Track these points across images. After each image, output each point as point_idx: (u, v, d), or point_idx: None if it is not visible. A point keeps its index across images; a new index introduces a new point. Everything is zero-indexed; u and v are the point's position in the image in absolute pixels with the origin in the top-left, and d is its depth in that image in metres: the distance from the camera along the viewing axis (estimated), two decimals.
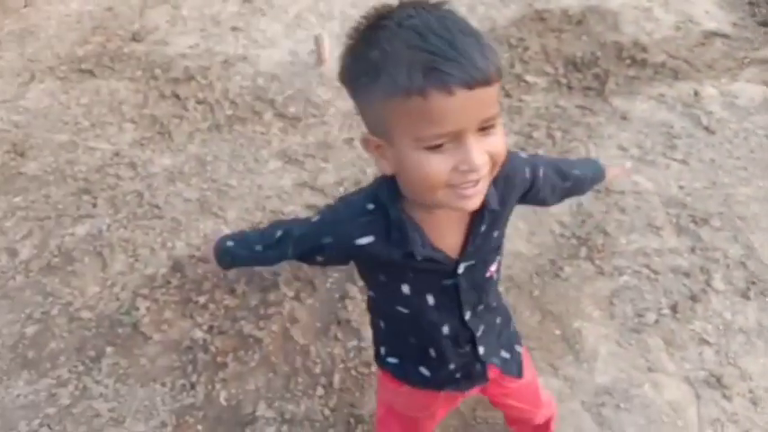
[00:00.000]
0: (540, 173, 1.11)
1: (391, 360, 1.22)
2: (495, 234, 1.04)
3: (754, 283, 2.13)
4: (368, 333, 2.03)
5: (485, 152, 0.82)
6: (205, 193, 2.61)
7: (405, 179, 0.89)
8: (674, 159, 2.57)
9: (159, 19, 3.76)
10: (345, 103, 3.08)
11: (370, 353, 1.97)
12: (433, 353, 1.14)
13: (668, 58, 3.11)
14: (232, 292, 2.19)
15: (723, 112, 2.80)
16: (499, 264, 1.12)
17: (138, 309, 2.18)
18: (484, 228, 0.99)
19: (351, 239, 0.98)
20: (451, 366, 1.16)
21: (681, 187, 2.46)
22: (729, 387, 1.86)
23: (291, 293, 2.16)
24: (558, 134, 2.74)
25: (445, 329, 1.10)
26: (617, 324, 2.03)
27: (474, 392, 1.27)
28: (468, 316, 1.09)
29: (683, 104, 2.84)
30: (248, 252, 1.21)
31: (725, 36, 3.34)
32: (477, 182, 0.84)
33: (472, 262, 1.02)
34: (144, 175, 2.72)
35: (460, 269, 1.01)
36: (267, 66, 3.37)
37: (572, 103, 2.92)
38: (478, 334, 1.13)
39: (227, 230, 2.39)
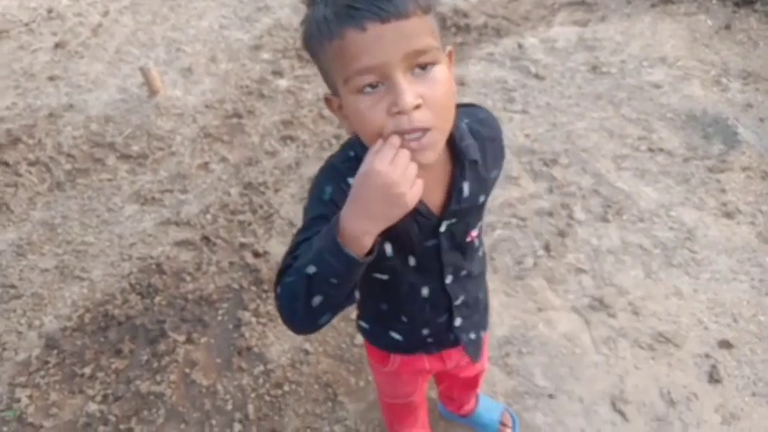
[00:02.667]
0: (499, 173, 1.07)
1: (363, 324, 1.23)
2: (482, 198, 1.00)
3: (609, 206, 2.32)
4: (272, 353, 1.99)
5: (418, 94, 0.77)
6: (62, 258, 2.41)
7: (357, 133, 0.86)
8: (515, 111, 2.72)
9: None
10: (190, 128, 2.97)
11: (280, 373, 1.93)
12: (404, 318, 1.13)
13: (488, 18, 3.29)
14: (118, 353, 2.04)
15: (547, 57, 3.01)
16: (480, 230, 1.08)
17: (18, 400, 1.97)
18: (467, 185, 0.95)
19: (345, 178, 0.91)
20: (424, 332, 1.15)
21: (527, 135, 2.61)
22: (611, 306, 2.01)
23: (182, 338, 2.06)
24: None
25: (424, 291, 1.07)
26: (501, 276, 2.13)
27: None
28: (449, 280, 1.07)
29: (510, 59, 3.01)
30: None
31: None
32: (421, 132, 0.79)
33: (453, 220, 0.98)
34: None
35: (442, 227, 0.98)
36: (98, 109, 3.17)
37: None
38: (457, 302, 1.11)
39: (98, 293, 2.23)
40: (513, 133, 2.63)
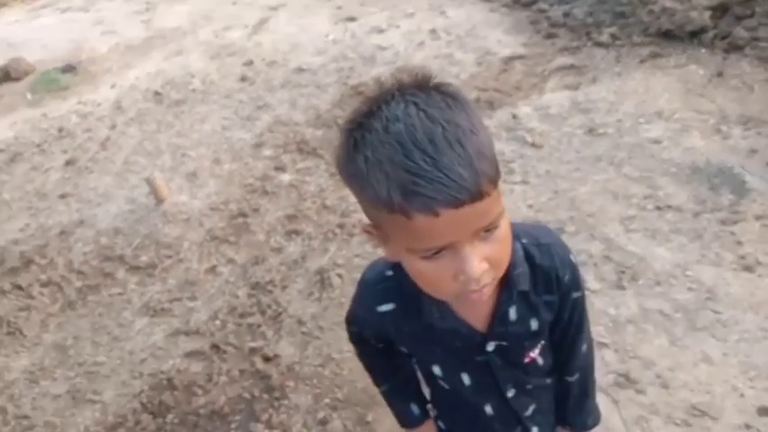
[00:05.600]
0: (575, 296, 1.00)
1: (441, 425, 1.19)
2: (534, 324, 0.96)
3: (623, 272, 2.25)
4: None
5: (483, 259, 0.76)
6: (74, 381, 2.38)
7: (408, 273, 0.84)
8: (515, 182, 2.71)
9: None
10: (197, 233, 2.99)
11: None
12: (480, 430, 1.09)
13: (480, 92, 3.33)
14: None
15: (542, 125, 3.02)
16: (544, 347, 1.02)
17: None
18: (513, 311, 0.93)
19: (373, 306, 0.97)
20: None
21: (530, 206, 2.58)
22: (639, 380, 1.91)
23: None
24: None
25: (488, 409, 1.04)
26: None
27: None
28: (511, 394, 1.02)
29: (506, 130, 3.03)
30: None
31: (521, 57, 3.64)
32: (481, 288, 0.79)
33: (504, 343, 0.95)
34: (2, 386, 2.45)
35: (489, 347, 0.95)
36: (107, 222, 3.22)
37: None
38: (527, 413, 1.06)
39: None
40: (515, 205, 2.60)
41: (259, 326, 2.41)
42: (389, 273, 0.96)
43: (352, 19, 4.61)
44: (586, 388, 1.15)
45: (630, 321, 2.08)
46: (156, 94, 4.33)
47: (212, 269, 2.77)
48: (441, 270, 0.76)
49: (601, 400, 1.88)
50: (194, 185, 3.36)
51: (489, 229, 0.75)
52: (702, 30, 3.30)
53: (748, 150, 2.67)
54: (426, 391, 1.17)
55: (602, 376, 1.84)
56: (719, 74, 3.11)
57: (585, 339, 1.08)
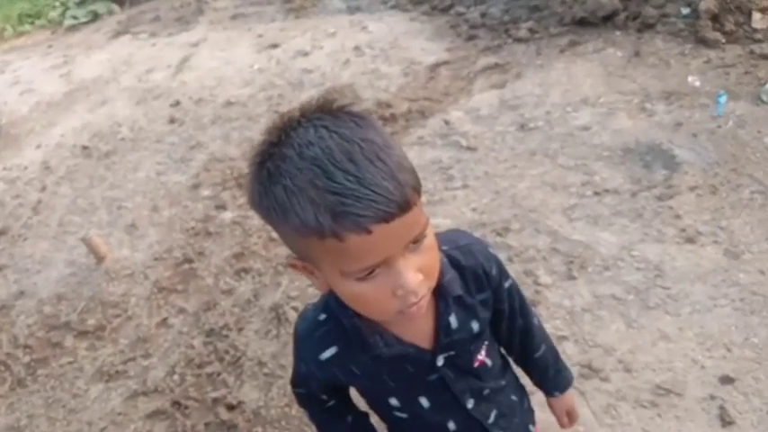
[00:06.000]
0: (507, 285, 1.03)
1: None
2: (475, 326, 0.97)
3: (572, 262, 2.27)
4: None
5: (417, 271, 0.77)
6: None
7: (345, 302, 0.84)
8: (456, 188, 2.71)
9: None
10: (143, 287, 2.89)
11: None
12: None
13: (410, 103, 3.34)
14: None
15: (475, 127, 3.04)
16: (489, 348, 1.03)
17: None
18: (453, 319, 0.93)
19: (315, 356, 0.94)
20: None
21: (473, 209, 2.59)
22: (602, 368, 1.92)
23: None
24: None
25: (451, 426, 1.02)
26: None
27: None
28: (470, 404, 1.01)
29: (440, 137, 3.04)
30: None
31: (446, 63, 3.67)
32: (420, 300, 0.80)
33: (451, 353, 0.95)
34: None
35: (439, 361, 0.94)
36: (48, 290, 3.08)
37: None
38: (490, 420, 1.05)
39: None
40: (459, 210, 2.61)
41: (219, 374, 2.34)
42: (323, 317, 0.95)
43: (274, 46, 4.58)
44: (556, 352, 1.20)
45: (586, 310, 2.10)
46: (84, 148, 4.19)
47: (163, 322, 2.67)
48: (378, 289, 0.76)
49: None
50: (134, 237, 3.25)
51: (417, 240, 0.76)
52: (614, 13, 3.40)
53: (674, 124, 2.75)
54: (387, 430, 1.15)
55: None
56: (636, 53, 3.20)
57: (533, 314, 1.13)
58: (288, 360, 2.31)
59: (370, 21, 4.47)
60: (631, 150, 2.68)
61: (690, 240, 2.24)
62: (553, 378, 1.19)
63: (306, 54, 4.30)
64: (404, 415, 1.02)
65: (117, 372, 2.51)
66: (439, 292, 0.89)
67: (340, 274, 0.76)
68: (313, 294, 2.53)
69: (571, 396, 1.23)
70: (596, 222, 2.40)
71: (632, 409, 1.80)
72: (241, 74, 4.36)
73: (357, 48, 4.12)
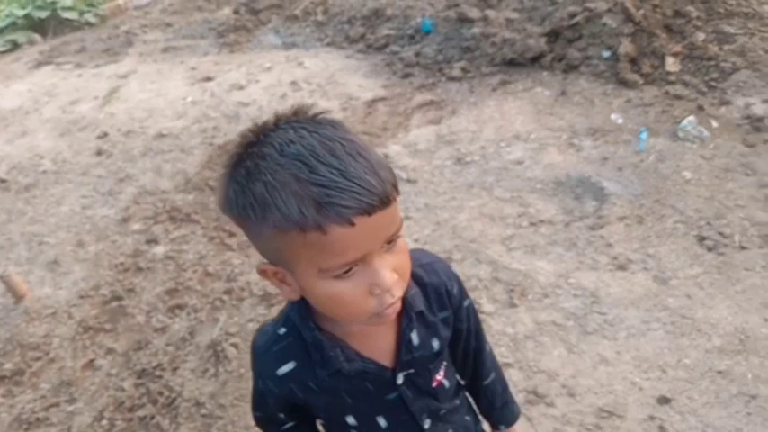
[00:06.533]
0: (467, 305, 1.03)
1: None
2: (435, 344, 0.97)
3: (512, 290, 2.32)
4: None
5: (393, 270, 0.78)
6: None
7: (316, 306, 0.84)
8: None
9: None
10: (66, 326, 2.71)
11: None
12: None
13: None
14: None
15: (413, 161, 3.09)
16: (447, 368, 1.04)
17: None
18: (415, 335, 0.93)
19: (272, 371, 0.92)
20: None
21: (416, 240, 2.61)
22: (547, 394, 1.95)
23: None
24: None
25: None
26: None
27: None
28: (427, 425, 1.01)
29: None
30: None
31: (383, 99, 3.74)
32: (396, 300, 0.80)
33: (411, 370, 0.95)
34: None
35: (399, 379, 0.94)
36: None
37: None
38: None
39: None
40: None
41: (152, 417, 2.20)
42: (282, 331, 0.94)
43: (208, 79, 4.52)
44: (504, 382, 1.20)
45: (528, 337, 2.14)
46: (2, 181, 3.94)
47: (90, 364, 2.51)
48: (356, 288, 0.77)
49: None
50: (57, 274, 3.06)
51: (393, 239, 0.78)
52: (541, 55, 3.58)
53: (600, 159, 2.90)
54: None
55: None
56: (563, 93, 3.38)
57: (485, 341, 1.13)
58: (227, 399, 2.22)
59: (306, 57, 4.51)
60: (563, 183, 2.79)
61: (621, 268, 2.34)
62: (500, 410, 1.19)
63: (241, 88, 4.27)
64: None
65: (38, 419, 2.32)
66: (402, 307, 0.89)
67: (318, 273, 0.76)
68: (253, 330, 2.46)
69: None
70: (534, 251, 2.47)
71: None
72: (173, 106, 4.27)
73: (294, 82, 4.14)
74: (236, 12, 5.39)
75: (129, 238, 3.18)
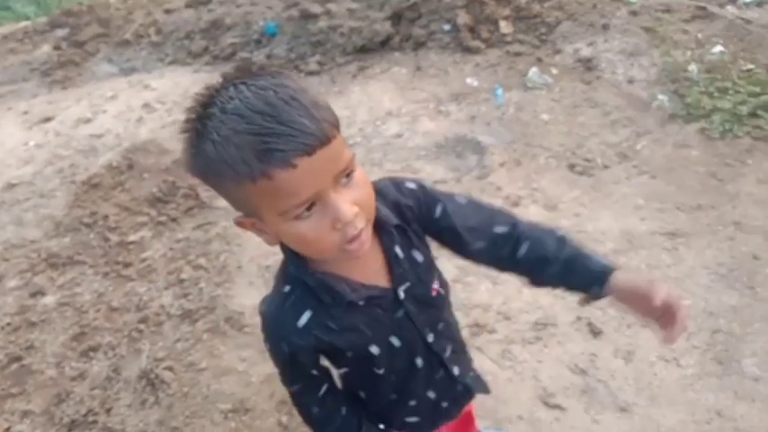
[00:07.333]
0: (440, 209, 1.02)
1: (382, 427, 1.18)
2: (418, 256, 1.01)
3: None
4: None
5: (352, 203, 0.81)
6: None
7: (292, 247, 0.89)
8: None
9: None
10: None
11: None
12: (413, 402, 1.13)
13: None
14: None
15: None
16: (440, 277, 1.08)
17: None
18: (398, 249, 0.98)
19: (294, 326, 0.95)
20: (432, 396, 1.13)
21: None
22: (486, 323, 2.13)
23: None
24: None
25: (419, 362, 1.08)
26: None
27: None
28: (431, 338, 1.06)
29: None
30: None
31: None
32: (359, 232, 0.83)
33: (408, 284, 1.00)
34: None
35: (401, 294, 0.99)
36: None
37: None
38: (446, 355, 1.11)
39: None
40: None
41: None
42: (287, 288, 0.97)
43: (47, 119, 4.17)
44: (558, 235, 1.07)
45: (455, 281, 2.29)
46: None
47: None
48: (318, 225, 0.81)
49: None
50: None
51: (347, 174, 0.82)
52: (389, 37, 3.79)
53: (469, 118, 3.16)
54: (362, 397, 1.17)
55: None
56: (418, 68, 3.61)
57: (489, 207, 1.11)
58: (179, 420, 2.13)
59: (151, 79, 4.34)
60: (443, 146, 3.01)
61: (516, 204, 2.59)
62: (572, 265, 1.02)
63: (88, 121, 4.01)
64: (381, 371, 1.06)
65: None
66: (380, 228, 0.95)
67: (280, 217, 0.80)
68: (185, 349, 2.37)
69: (634, 277, 1.01)
70: None
71: (523, 348, 2.03)
72: (15, 153, 3.89)
73: (146, 105, 3.97)
74: (57, 48, 5.01)
75: (9, 297, 2.88)
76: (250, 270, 2.59)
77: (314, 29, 3.97)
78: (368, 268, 0.98)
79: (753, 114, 2.80)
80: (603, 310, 2.10)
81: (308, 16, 4.02)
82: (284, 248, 0.95)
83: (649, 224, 2.41)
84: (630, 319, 2.06)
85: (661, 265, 2.24)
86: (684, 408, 1.80)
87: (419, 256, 1.03)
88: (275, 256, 1.52)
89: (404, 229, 1.00)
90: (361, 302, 0.96)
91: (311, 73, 3.83)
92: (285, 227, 0.82)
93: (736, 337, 1.98)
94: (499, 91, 3.24)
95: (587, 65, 3.27)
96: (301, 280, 0.95)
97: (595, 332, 2.03)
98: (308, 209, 0.80)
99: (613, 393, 1.85)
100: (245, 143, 0.74)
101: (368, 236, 0.87)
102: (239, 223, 0.88)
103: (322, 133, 0.76)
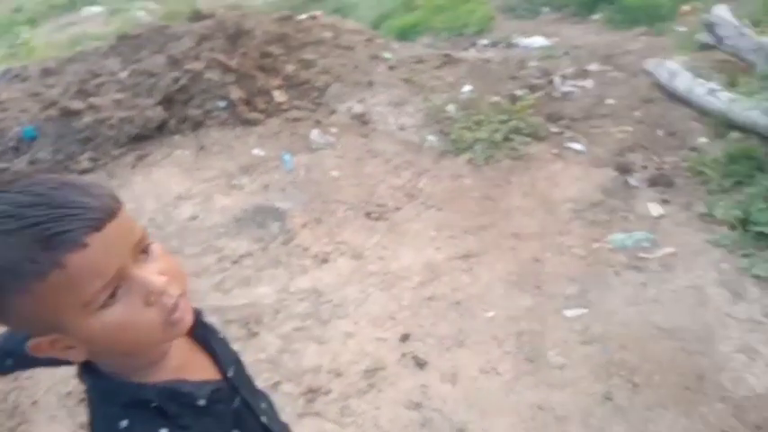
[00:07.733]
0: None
1: None
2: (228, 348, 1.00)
3: (248, 322, 2.41)
4: None
5: (159, 273, 0.75)
6: None
7: (110, 350, 0.77)
8: None
9: None
10: None
11: None
12: None
13: None
14: None
15: None
16: None
17: None
18: (214, 338, 0.95)
19: None
20: None
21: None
22: (320, 386, 2.12)
23: None
24: None
25: None
26: None
27: None
28: (265, 420, 1.00)
29: None
30: None
31: None
32: (177, 300, 0.77)
33: (232, 366, 0.95)
34: None
35: (230, 372, 0.94)
36: None
37: None
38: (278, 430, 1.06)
39: None
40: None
41: None
42: (125, 423, 0.82)
43: None
44: None
45: (282, 351, 2.27)
46: None
47: None
48: (130, 306, 0.73)
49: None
50: None
51: (144, 248, 0.76)
52: (164, 122, 3.70)
53: (263, 188, 3.19)
54: None
55: None
56: (202, 147, 3.57)
57: None
58: None
59: None
60: (242, 219, 2.99)
61: (324, 261, 2.65)
62: None
63: None
64: None
65: None
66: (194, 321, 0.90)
67: (84, 312, 0.71)
68: None
69: None
70: (248, 283, 2.60)
71: (359, 400, 2.05)
72: None
73: None
74: None
75: None
76: (48, 403, 2.27)
77: (79, 125, 3.74)
78: (195, 364, 0.92)
79: (506, 139, 3.23)
80: (423, 341, 2.21)
81: (69, 114, 3.78)
82: (96, 377, 0.83)
83: (445, 252, 2.63)
84: (448, 342, 2.20)
85: (462, 285, 2.44)
86: (510, 411, 1.95)
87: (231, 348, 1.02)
88: (77, 379, 1.37)
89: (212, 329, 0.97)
90: (203, 402, 0.90)
91: (85, 171, 3.58)
92: (94, 322, 0.71)
93: (537, 334, 2.21)
94: (287, 156, 3.32)
95: (362, 119, 3.50)
96: (138, 401, 0.82)
97: (421, 364, 2.13)
98: (113, 295, 0.71)
99: (449, 418, 1.95)
100: (23, 239, 0.66)
101: (187, 305, 0.80)
102: (35, 347, 0.75)
103: (106, 206, 0.70)
